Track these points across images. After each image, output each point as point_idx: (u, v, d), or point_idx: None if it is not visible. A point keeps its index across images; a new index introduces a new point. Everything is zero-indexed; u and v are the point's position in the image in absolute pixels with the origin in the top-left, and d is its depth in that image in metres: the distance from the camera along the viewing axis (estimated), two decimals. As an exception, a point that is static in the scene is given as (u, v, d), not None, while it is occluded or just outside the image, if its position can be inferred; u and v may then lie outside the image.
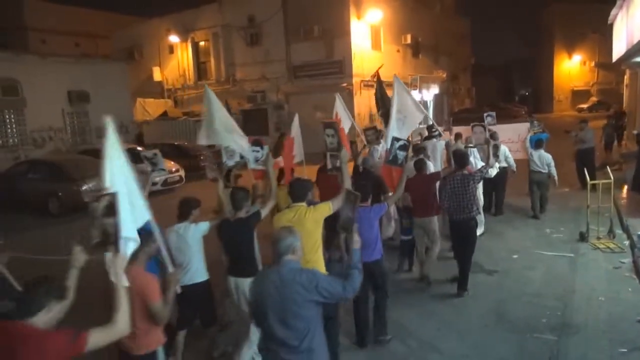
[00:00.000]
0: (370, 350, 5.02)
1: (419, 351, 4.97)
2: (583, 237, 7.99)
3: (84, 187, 12.33)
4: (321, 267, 4.05)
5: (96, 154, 15.17)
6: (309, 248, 4.00)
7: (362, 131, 8.67)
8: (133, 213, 3.35)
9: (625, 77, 23.62)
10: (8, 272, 4.03)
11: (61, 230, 10.71)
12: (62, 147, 19.59)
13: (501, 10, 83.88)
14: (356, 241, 3.37)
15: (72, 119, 20.56)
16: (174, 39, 27.12)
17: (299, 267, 3.09)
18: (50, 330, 2.48)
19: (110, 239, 3.07)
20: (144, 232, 3.49)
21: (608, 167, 9.50)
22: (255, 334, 3.45)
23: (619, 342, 4.88)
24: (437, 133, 9.31)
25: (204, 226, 4.64)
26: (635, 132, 15.61)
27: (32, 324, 2.42)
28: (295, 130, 7.51)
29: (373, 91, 25.32)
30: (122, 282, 2.79)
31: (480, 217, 7.62)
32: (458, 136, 9.75)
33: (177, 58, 27.83)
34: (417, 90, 22.66)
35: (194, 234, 4.59)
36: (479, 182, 6.58)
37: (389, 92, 8.42)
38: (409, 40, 27.16)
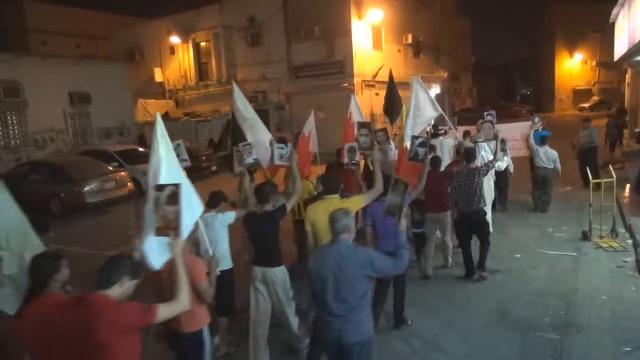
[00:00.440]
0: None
1: (422, 350, 4.97)
2: (586, 236, 7.97)
3: (86, 188, 12.34)
4: None
5: (98, 155, 15.27)
6: None
7: (374, 132, 8.70)
8: (190, 204, 3.65)
9: (627, 76, 23.57)
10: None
11: (63, 231, 10.71)
12: (63, 148, 19.61)
13: (502, 10, 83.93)
14: (403, 224, 3.82)
15: (74, 120, 20.56)
16: (174, 39, 27.12)
17: (353, 245, 3.49)
18: (123, 302, 2.68)
19: (171, 224, 3.37)
20: None
21: (610, 165, 9.49)
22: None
23: (622, 341, 4.87)
24: (442, 132, 9.48)
25: (230, 215, 5.00)
26: (637, 130, 15.58)
27: (107, 295, 2.61)
28: (311, 126, 7.79)
29: (374, 91, 25.53)
30: (182, 263, 3.04)
31: (488, 217, 7.66)
32: (467, 133, 9.91)
33: (178, 59, 27.84)
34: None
35: (220, 222, 4.97)
36: (485, 175, 6.79)
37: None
38: (409, 40, 27.11)
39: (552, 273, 6.84)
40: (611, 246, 7.61)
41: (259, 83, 24.84)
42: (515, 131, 10.41)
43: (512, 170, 9.91)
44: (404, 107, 8.05)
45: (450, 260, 7.28)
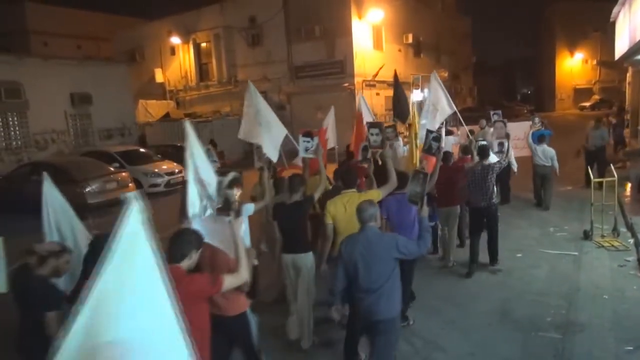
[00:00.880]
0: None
1: (423, 350, 4.97)
2: (587, 236, 7.97)
3: (87, 189, 12.35)
4: None
5: (99, 156, 15.27)
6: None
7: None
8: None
9: (628, 74, 23.54)
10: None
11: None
12: (64, 149, 19.64)
13: (502, 9, 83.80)
14: (425, 210, 4.23)
15: (75, 121, 20.59)
16: (175, 40, 27.15)
17: (380, 231, 3.97)
18: (195, 274, 3.06)
19: (232, 205, 3.88)
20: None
21: (612, 165, 9.48)
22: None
23: (624, 340, 4.87)
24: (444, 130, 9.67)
25: (250, 207, 5.05)
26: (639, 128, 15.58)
27: (180, 267, 2.96)
28: (330, 120, 8.10)
29: (375, 91, 25.50)
30: (241, 240, 3.36)
31: None
32: (471, 133, 9.98)
33: (178, 59, 27.87)
34: (419, 90, 22.62)
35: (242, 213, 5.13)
36: (498, 172, 7.06)
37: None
38: (410, 40, 27.12)
39: (554, 272, 6.84)
40: (613, 245, 7.60)
41: (260, 83, 24.79)
42: (517, 130, 10.60)
43: (515, 170, 10.03)
44: (413, 106, 8.20)
45: (452, 259, 7.31)
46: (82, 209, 12.15)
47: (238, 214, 3.76)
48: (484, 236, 7.13)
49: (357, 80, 22.93)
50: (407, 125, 9.07)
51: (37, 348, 3.22)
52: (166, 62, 28.40)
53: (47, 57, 21.05)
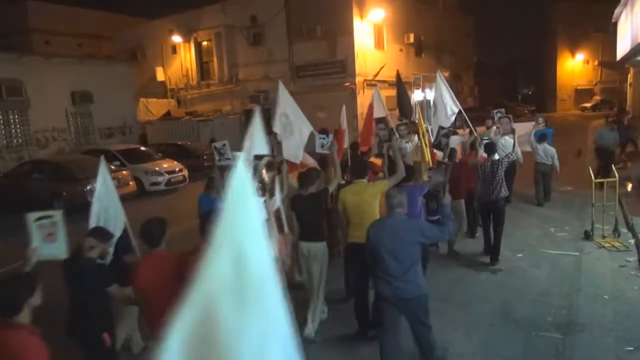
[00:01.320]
0: (374, 345, 5.01)
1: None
2: (588, 236, 7.97)
3: (88, 187, 12.33)
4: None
5: (100, 154, 15.18)
6: (367, 216, 4.84)
7: (395, 127, 9.19)
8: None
9: (629, 75, 23.57)
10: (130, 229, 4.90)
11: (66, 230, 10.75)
12: (65, 147, 19.65)
13: (504, 9, 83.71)
14: (447, 197, 4.80)
15: (76, 119, 20.59)
16: (176, 39, 27.16)
17: (406, 217, 4.24)
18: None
19: (267, 187, 4.33)
20: None
21: (613, 165, 9.48)
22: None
23: (625, 340, 4.88)
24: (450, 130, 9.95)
25: (277, 199, 5.30)
26: None
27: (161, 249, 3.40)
28: (344, 120, 8.31)
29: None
30: (273, 218, 3.75)
31: None
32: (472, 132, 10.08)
33: (180, 58, 27.88)
34: (420, 90, 22.62)
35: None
36: (505, 167, 7.31)
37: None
38: (411, 40, 27.10)
39: (555, 273, 6.84)
40: (613, 246, 7.60)
41: (261, 83, 24.85)
42: (520, 129, 10.64)
43: (521, 162, 10.29)
44: (416, 106, 8.46)
45: (455, 248, 7.63)
46: (83, 207, 12.27)
47: (272, 194, 4.26)
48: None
49: (359, 79, 22.93)
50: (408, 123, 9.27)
51: (86, 328, 3.71)
52: (167, 60, 28.41)
53: (49, 55, 21.03)
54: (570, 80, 48.34)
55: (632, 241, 7.74)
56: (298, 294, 5.41)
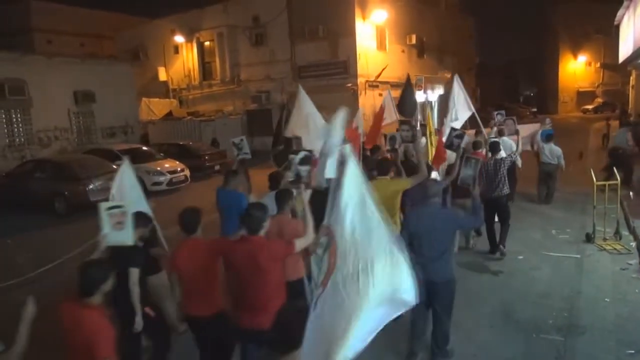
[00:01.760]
0: (376, 349, 5.02)
1: (425, 350, 4.96)
2: (589, 238, 7.97)
3: (90, 187, 12.37)
4: (397, 230, 4.77)
5: (102, 154, 15.30)
6: (387, 212, 4.93)
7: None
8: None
9: (631, 77, 23.55)
10: (156, 221, 5.17)
11: (68, 229, 10.77)
12: (68, 146, 19.68)
13: (506, 10, 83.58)
14: (477, 190, 5.12)
15: (78, 118, 20.63)
16: (179, 39, 27.20)
17: (440, 207, 4.68)
18: (273, 240, 3.96)
19: (302, 179, 4.94)
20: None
21: (615, 167, 9.47)
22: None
23: (626, 343, 4.88)
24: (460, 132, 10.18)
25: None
26: None
27: (260, 237, 3.78)
28: (359, 120, 8.74)
29: (378, 91, 25.45)
30: (308, 208, 4.11)
31: None
32: (478, 132, 10.22)
33: (182, 58, 27.91)
34: (422, 91, 22.62)
35: None
36: (508, 166, 7.70)
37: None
38: (414, 41, 27.09)
39: (555, 275, 6.84)
40: (615, 249, 7.60)
41: (263, 83, 24.88)
42: (524, 131, 10.81)
43: (520, 165, 10.32)
44: (428, 108, 8.70)
45: (472, 242, 7.97)
46: (85, 206, 12.29)
47: (307, 186, 4.69)
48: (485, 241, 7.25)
49: (360, 80, 22.94)
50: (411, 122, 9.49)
51: (125, 302, 4.04)
52: (169, 60, 28.44)
53: (51, 54, 21.07)
54: (572, 82, 48.29)
55: (633, 244, 7.73)
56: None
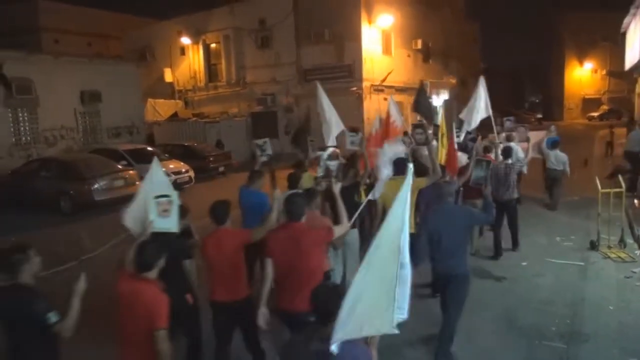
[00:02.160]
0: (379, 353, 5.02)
1: (427, 355, 4.97)
2: (594, 246, 7.95)
3: (95, 186, 12.43)
4: (411, 227, 4.82)
5: (107, 154, 15.36)
6: None
7: (411, 133, 9.71)
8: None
9: (637, 85, 23.46)
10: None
11: (73, 228, 10.81)
12: (73, 146, 19.76)
13: (512, 16, 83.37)
14: (488, 189, 5.50)
15: (84, 118, 20.71)
16: (185, 40, 27.28)
17: (455, 205, 5.28)
18: (314, 226, 4.19)
19: (331, 174, 5.51)
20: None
21: (620, 175, 9.44)
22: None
23: (629, 351, 4.87)
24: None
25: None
26: None
27: (302, 222, 4.04)
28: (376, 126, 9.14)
29: (382, 96, 25.45)
30: (340, 199, 4.40)
31: None
32: (484, 137, 10.46)
33: (188, 60, 27.99)
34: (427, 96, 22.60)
35: None
36: (518, 171, 8.15)
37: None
38: (419, 46, 27.08)
39: (559, 282, 6.83)
40: (619, 257, 7.58)
41: (268, 85, 24.93)
42: (533, 138, 10.98)
43: (525, 172, 10.26)
44: (440, 111, 8.98)
45: (474, 247, 7.94)
46: (89, 205, 12.34)
47: (337, 179, 5.14)
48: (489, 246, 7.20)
49: (365, 84, 22.95)
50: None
51: (169, 289, 3.96)
52: (176, 62, 28.53)
53: (58, 54, 21.16)
54: (578, 89, 48.18)
55: (638, 252, 7.72)
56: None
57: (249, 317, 4.16)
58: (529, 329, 5.45)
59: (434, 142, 9.36)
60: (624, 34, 19.52)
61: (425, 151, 8.87)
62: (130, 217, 4.48)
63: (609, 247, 7.89)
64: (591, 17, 43.19)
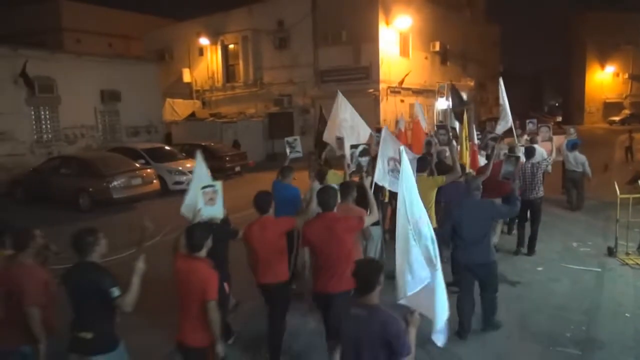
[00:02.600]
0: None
1: (439, 358, 4.95)
2: (611, 252, 7.83)
3: (113, 184, 12.61)
4: (432, 222, 4.99)
5: (125, 152, 15.58)
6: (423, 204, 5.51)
7: (434, 133, 10.31)
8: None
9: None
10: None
11: (91, 224, 10.94)
12: (93, 144, 20.08)
13: (532, 18, 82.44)
14: (516, 183, 5.95)
15: (104, 117, 21.03)
16: (204, 41, 27.53)
17: (481, 198, 5.44)
18: (346, 215, 4.57)
19: (362, 169, 6.09)
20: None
21: (639, 181, 9.29)
22: None
23: (645, 359, 4.78)
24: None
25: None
26: None
27: (335, 212, 4.48)
28: (400, 126, 9.91)
29: (399, 97, 25.36)
30: (371, 192, 4.86)
31: None
32: (501, 139, 10.49)
33: (206, 60, 28.24)
34: (445, 98, 22.48)
35: None
36: (543, 170, 8.30)
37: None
38: (437, 48, 26.94)
39: (575, 288, 6.74)
40: (637, 263, 7.45)
41: (285, 86, 25.03)
42: (556, 141, 11.00)
43: (550, 171, 10.43)
44: (466, 114, 9.39)
45: (495, 241, 7.80)
46: (107, 202, 12.52)
47: (368, 174, 5.69)
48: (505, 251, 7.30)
49: (382, 86, 22.90)
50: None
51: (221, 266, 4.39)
52: (194, 62, 28.80)
53: (80, 53, 21.54)
54: (599, 93, 47.36)
55: (657, 259, 7.57)
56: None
57: (284, 297, 4.77)
58: (543, 334, 5.39)
59: (454, 142, 9.50)
60: (647, 37, 19.16)
61: (447, 152, 9.07)
62: (185, 206, 4.94)
63: (627, 254, 7.76)
64: (614, 19, 42.44)
